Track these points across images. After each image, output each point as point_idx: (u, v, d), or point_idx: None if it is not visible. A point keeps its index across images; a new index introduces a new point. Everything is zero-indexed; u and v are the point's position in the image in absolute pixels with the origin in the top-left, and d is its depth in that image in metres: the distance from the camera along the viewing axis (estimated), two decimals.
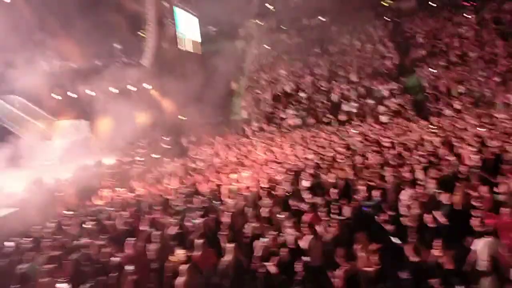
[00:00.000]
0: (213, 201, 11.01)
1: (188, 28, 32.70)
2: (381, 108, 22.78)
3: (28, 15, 22.44)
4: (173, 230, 9.00)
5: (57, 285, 7.02)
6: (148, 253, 8.11)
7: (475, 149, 11.31)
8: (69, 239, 9.64)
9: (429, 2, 33.65)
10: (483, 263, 6.35)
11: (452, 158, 11.14)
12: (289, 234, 7.77)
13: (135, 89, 26.71)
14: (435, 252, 6.37)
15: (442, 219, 7.63)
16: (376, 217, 8.06)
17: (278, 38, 34.65)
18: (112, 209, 11.77)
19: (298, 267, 6.48)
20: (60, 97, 26.06)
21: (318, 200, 9.45)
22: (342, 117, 23.07)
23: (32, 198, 14.16)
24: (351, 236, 7.34)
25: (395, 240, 7.08)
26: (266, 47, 33.83)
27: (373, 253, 6.72)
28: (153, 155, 20.97)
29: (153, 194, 13.10)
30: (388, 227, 7.68)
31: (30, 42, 22.63)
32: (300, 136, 19.49)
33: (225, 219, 9.20)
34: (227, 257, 7.07)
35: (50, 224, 11.42)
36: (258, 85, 28.71)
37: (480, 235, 6.74)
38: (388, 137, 15.96)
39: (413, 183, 9.69)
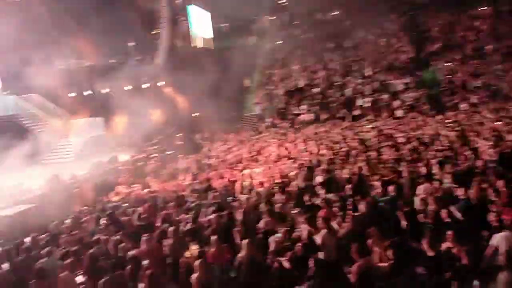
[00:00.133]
0: (227, 197, 11.05)
1: (201, 25, 32.77)
2: (396, 103, 22.58)
3: (45, 14, 22.73)
4: (187, 226, 9.07)
5: (75, 278, 7.14)
6: (163, 248, 8.19)
7: (491, 143, 11.16)
8: (86, 234, 9.77)
9: None
10: (500, 258, 6.28)
11: (468, 153, 11.01)
12: (303, 229, 7.76)
13: (149, 86, 26.91)
14: (448, 244, 6.31)
15: (458, 214, 7.55)
16: (391, 212, 8.01)
17: (291, 33, 34.52)
18: (127, 205, 11.89)
19: (310, 262, 6.47)
20: (76, 95, 26.40)
21: (332, 195, 9.42)
22: (356, 112, 22.94)
23: (50, 194, 14.39)
24: (365, 231, 7.31)
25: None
26: (279, 42, 33.72)
27: (388, 248, 6.68)
28: (167, 152, 21.12)
29: (167, 190, 13.20)
30: (404, 222, 7.63)
31: (47, 41, 22.93)
32: (314, 131, 19.43)
33: (239, 215, 9.23)
34: (242, 253, 7.09)
35: (67, 219, 11.61)
36: (270, 81, 28.68)
37: (496, 229, 6.66)
38: (403, 132, 15.84)
39: (429, 178, 9.60)
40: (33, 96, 24.08)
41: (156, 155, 20.14)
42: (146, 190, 13.43)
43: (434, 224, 7.33)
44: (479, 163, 9.98)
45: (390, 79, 24.56)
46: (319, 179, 11.06)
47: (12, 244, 9.28)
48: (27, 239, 9.69)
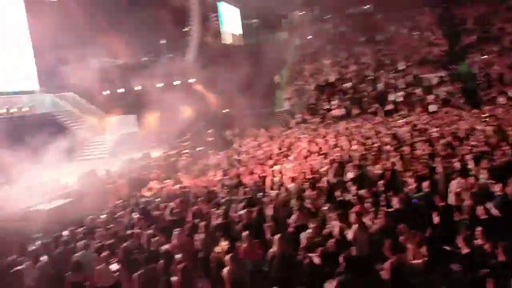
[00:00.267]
0: (257, 193, 11.09)
1: (231, 21, 32.91)
2: (430, 97, 22.06)
3: (80, 13, 23.30)
4: (218, 221, 9.15)
5: (110, 270, 7.34)
6: (194, 243, 8.31)
7: None
8: (120, 229, 10.01)
9: None
10: None
11: (505, 148, 10.66)
12: (334, 225, 7.71)
13: (180, 83, 27.24)
14: (477, 241, 6.15)
15: (494, 211, 7.33)
16: (425, 208, 7.86)
17: (322, 28, 34.21)
18: (159, 200, 12.10)
19: (341, 258, 6.42)
20: (109, 93, 27.02)
21: (364, 191, 9.31)
22: (389, 107, 22.54)
23: (86, 190, 14.80)
24: (398, 228, 7.20)
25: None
26: (309, 37, 33.47)
27: (421, 245, 6.56)
28: (198, 148, 21.35)
29: (198, 185, 13.35)
30: (438, 218, 7.47)
31: (81, 40, 23.54)
32: (345, 127, 19.21)
33: (269, 210, 9.25)
34: (273, 248, 7.11)
35: (103, 214, 11.92)
36: (301, 76, 28.52)
37: None
38: (437, 127, 15.47)
39: (464, 173, 9.36)
40: (69, 94, 24.79)
41: (187, 151, 20.40)
42: (177, 186, 13.63)
43: (470, 220, 7.15)
44: None
45: (424, 73, 24.00)
46: (350, 175, 10.94)
47: (51, 238, 9.62)
48: (65, 233, 10.02)
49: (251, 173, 13.28)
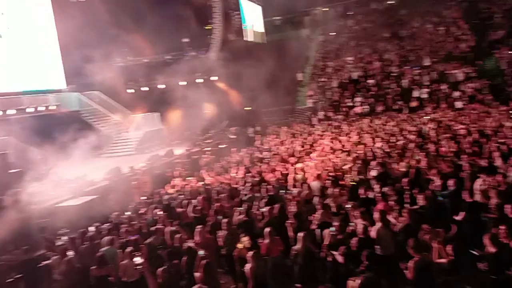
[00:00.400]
0: (279, 190, 11.08)
1: (253, 19, 32.89)
2: (456, 93, 21.61)
3: (104, 12, 23.66)
4: (240, 218, 9.19)
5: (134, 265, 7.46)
6: (216, 240, 8.38)
7: None
8: (144, 225, 10.17)
9: None
10: None
11: None
12: (357, 223, 7.65)
13: (203, 81, 27.41)
14: (504, 239, 6.01)
15: None
16: (451, 206, 7.72)
17: (345, 24, 33.88)
18: (183, 197, 12.22)
19: (363, 256, 6.37)
20: (134, 91, 27.40)
21: (388, 189, 9.20)
22: (413, 104, 22.19)
23: (111, 186, 15.07)
24: (423, 226, 7.09)
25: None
26: (332, 34, 33.19)
27: (447, 244, 6.45)
28: (221, 145, 21.46)
29: (221, 182, 13.42)
30: (461, 217, 7.33)
31: (106, 39, 23.88)
32: (368, 124, 19.01)
33: (291, 207, 9.24)
34: (297, 245, 7.11)
35: (128, 210, 12.12)
36: (324, 73, 28.33)
37: None
38: (463, 124, 15.16)
39: (491, 171, 9.15)
40: (95, 93, 25.24)
41: (210, 148, 20.53)
42: (200, 183, 13.73)
43: (497, 219, 6.99)
44: None
45: (450, 69, 23.51)
46: (374, 172, 10.84)
47: (77, 233, 9.83)
48: (91, 229, 10.23)
49: (274, 170, 13.28)
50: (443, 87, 22.48)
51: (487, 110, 18.05)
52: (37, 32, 21.50)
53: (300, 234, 7.12)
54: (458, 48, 25.29)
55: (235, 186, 12.59)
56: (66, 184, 15.28)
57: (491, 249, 6.08)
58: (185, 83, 26.80)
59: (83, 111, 24.34)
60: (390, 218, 7.76)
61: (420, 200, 8.30)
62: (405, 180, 9.65)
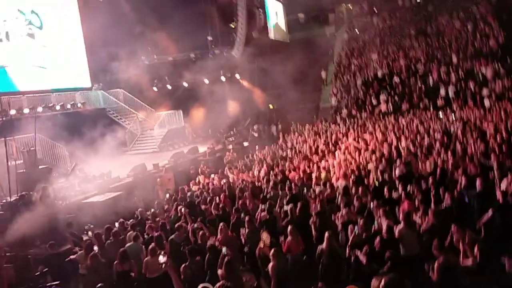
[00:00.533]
0: (302, 188, 11.03)
1: (277, 16, 32.81)
2: (484, 92, 21.05)
3: (129, 10, 23.97)
4: (262, 216, 9.19)
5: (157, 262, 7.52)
6: (239, 237, 8.40)
7: None
8: (168, 221, 10.27)
9: None
10: None
11: None
12: (381, 223, 7.54)
13: (226, 79, 27.50)
14: None
15: None
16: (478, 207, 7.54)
17: (370, 22, 33.41)
18: (205, 194, 12.29)
19: (387, 256, 6.27)
20: (158, 89, 27.70)
21: (413, 188, 9.04)
22: (440, 102, 21.72)
23: (135, 183, 15.29)
24: (449, 227, 6.94)
25: None
26: (357, 31, 32.80)
27: (474, 245, 6.29)
28: (244, 143, 21.49)
29: (243, 180, 13.45)
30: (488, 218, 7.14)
31: (131, 37, 24.20)
32: (393, 122, 18.72)
33: (314, 206, 9.18)
34: (322, 245, 7.06)
35: (152, 206, 12.27)
36: (348, 71, 28.01)
37: None
38: (492, 123, 14.76)
39: None
40: (119, 91, 25.64)
41: (233, 146, 20.60)
42: (223, 180, 13.79)
43: None
44: None
45: (478, 66, 22.93)
46: (398, 171, 10.66)
47: (103, 228, 10.01)
48: (116, 224, 10.40)
49: (297, 168, 13.22)
50: (471, 85, 21.94)
51: None
52: (64, 31, 21.95)
53: (326, 234, 7.07)
54: (487, 45, 24.63)
55: (258, 183, 12.60)
56: (92, 180, 15.58)
57: None
58: (209, 81, 26.94)
59: (109, 109, 24.79)
60: (415, 218, 7.63)
61: (446, 201, 8.13)
62: (430, 180, 9.46)
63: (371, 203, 8.58)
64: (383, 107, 23.19)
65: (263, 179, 13.00)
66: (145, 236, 9.42)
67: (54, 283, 7.69)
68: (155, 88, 27.85)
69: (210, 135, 24.54)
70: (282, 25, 34.03)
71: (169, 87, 28.03)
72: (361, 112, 23.23)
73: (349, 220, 8.00)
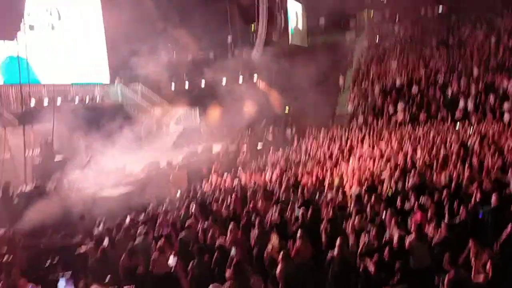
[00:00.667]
0: (314, 194, 10.98)
1: (297, 21, 32.79)
2: (505, 106, 20.72)
3: (151, 7, 24.16)
4: (273, 219, 9.17)
5: (166, 259, 7.55)
6: (248, 239, 8.39)
7: None
8: (178, 219, 10.31)
9: None
10: None
11: None
12: (393, 233, 7.47)
13: (244, 80, 27.54)
14: None
15: None
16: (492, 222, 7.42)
17: (391, 29, 33.16)
18: (217, 194, 12.31)
19: (396, 268, 6.21)
20: (176, 87, 27.84)
21: (426, 200, 8.94)
22: (459, 114, 21.43)
23: (149, 179, 15.37)
24: (461, 241, 6.84)
25: None
26: (377, 39, 32.57)
27: (486, 261, 6.18)
28: (258, 145, 21.47)
29: (256, 182, 13.43)
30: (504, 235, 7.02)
31: (151, 34, 24.38)
32: (410, 132, 18.53)
33: (326, 212, 9.13)
34: (334, 252, 7.02)
35: (163, 203, 12.32)
36: (367, 78, 27.82)
37: None
38: (511, 138, 14.52)
39: None
40: (137, 87, 25.84)
41: (247, 147, 20.58)
42: (235, 181, 13.79)
43: None
44: None
45: (499, 80, 22.58)
46: (412, 182, 10.55)
47: (114, 223, 10.09)
48: (127, 219, 10.47)
49: (310, 173, 13.17)
50: (491, 98, 21.62)
51: None
52: (86, 26, 22.24)
53: (338, 241, 7.02)
54: (510, 59, 24.25)
55: (270, 186, 12.57)
56: (106, 174, 15.70)
57: None
58: (227, 80, 27.01)
59: (126, 104, 24.98)
60: (427, 230, 7.54)
61: (460, 214, 8.02)
62: (445, 192, 9.34)
63: (384, 212, 8.51)
64: (400, 116, 22.96)
65: (275, 182, 12.97)
66: (155, 233, 9.46)
67: (65, 272, 7.76)
68: (173, 85, 28.01)
69: (225, 135, 24.56)
70: (302, 28, 34.00)
71: (187, 85, 28.16)
72: (378, 120, 23.03)
73: (361, 228, 7.94)
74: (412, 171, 11.24)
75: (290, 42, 30.50)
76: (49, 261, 8.12)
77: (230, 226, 8.38)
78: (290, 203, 10.10)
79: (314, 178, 12.46)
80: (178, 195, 13.74)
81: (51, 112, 15.56)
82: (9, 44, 17.01)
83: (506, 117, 19.86)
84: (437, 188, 9.92)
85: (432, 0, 33.36)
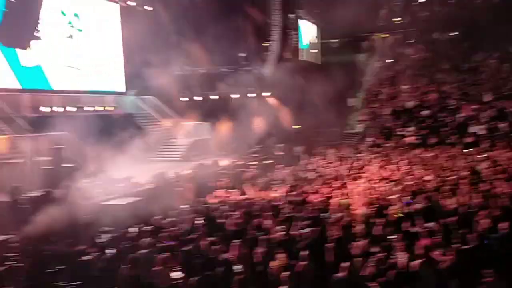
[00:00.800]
0: (321, 213, 10.90)
1: (310, 39, 33.04)
2: None
3: (167, 20, 24.51)
4: (279, 237, 9.10)
5: (170, 272, 7.50)
6: (253, 256, 8.32)
7: None
8: (184, 232, 10.26)
9: None
10: None
11: None
12: (400, 256, 7.38)
13: (255, 96, 27.69)
14: None
15: None
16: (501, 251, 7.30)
17: (403, 52, 33.26)
18: (223, 208, 12.26)
19: None
20: (187, 100, 28.06)
21: (434, 225, 8.84)
22: (469, 139, 21.32)
23: (156, 190, 15.38)
24: (469, 268, 6.74)
25: None
26: (390, 60, 32.66)
27: None
28: (266, 161, 21.44)
29: (263, 198, 13.37)
30: None
31: (166, 47, 24.69)
32: (420, 155, 18.44)
33: (333, 232, 9.05)
34: (341, 273, 6.95)
35: (169, 215, 12.28)
36: (377, 100, 27.85)
37: None
38: None
39: None
40: (149, 98, 26.09)
41: (255, 163, 20.56)
42: (242, 196, 13.75)
43: None
44: None
45: (511, 107, 22.49)
46: (421, 205, 10.45)
47: (119, 232, 10.08)
48: (132, 230, 10.45)
49: (317, 192, 13.10)
50: (502, 125, 21.51)
51: None
52: (104, 36, 22.58)
53: (347, 263, 6.95)
54: None
55: (277, 203, 12.51)
56: (113, 184, 15.76)
57: None
58: (237, 96, 27.18)
59: (137, 114, 25.20)
60: (434, 255, 7.44)
61: (467, 241, 7.91)
62: (453, 217, 9.24)
63: (391, 235, 8.43)
64: (410, 139, 22.90)
65: (282, 199, 12.92)
66: (160, 245, 9.42)
67: (72, 283, 7.73)
68: (184, 98, 28.23)
69: (234, 150, 24.60)
70: (316, 47, 34.21)
71: (198, 98, 28.37)
72: (387, 141, 22.98)
73: (367, 250, 7.86)
74: (421, 194, 11.15)
75: (302, 60, 30.67)
76: (52, 267, 8.11)
77: (235, 242, 8.33)
78: (297, 221, 10.03)
79: (321, 197, 12.40)
80: (184, 207, 13.70)
81: (63, 120, 15.73)
82: (26, 51, 17.28)
83: None
84: (445, 213, 9.81)
85: (445, 25, 33.43)
